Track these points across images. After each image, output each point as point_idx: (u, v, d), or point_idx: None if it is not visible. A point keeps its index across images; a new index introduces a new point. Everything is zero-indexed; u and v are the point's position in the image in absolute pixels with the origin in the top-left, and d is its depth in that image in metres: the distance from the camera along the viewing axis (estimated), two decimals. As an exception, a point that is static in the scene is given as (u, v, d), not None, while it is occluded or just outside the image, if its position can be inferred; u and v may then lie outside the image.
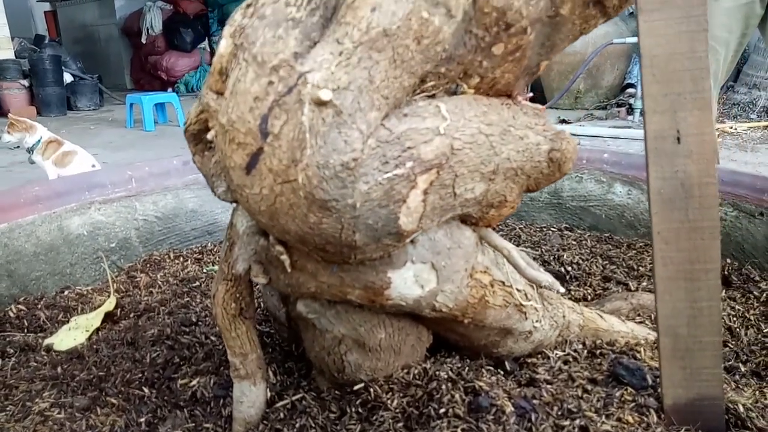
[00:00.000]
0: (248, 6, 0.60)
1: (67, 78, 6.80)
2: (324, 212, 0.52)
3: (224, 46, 0.57)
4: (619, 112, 5.54)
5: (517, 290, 0.72)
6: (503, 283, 0.70)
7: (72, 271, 1.07)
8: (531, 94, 0.73)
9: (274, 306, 0.78)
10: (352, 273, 0.60)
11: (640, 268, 1.10)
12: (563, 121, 5.48)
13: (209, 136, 0.60)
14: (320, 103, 0.49)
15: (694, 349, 0.63)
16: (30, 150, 3.17)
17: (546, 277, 0.67)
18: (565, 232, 1.29)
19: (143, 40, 9.21)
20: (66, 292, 1.03)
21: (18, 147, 3.81)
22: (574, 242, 1.22)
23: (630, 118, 5.42)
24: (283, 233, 0.56)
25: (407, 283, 0.61)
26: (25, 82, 6.45)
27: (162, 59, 9.07)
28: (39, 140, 3.15)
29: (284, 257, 0.61)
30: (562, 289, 0.79)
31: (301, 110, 0.50)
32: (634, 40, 5.37)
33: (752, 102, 5.14)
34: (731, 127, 4.84)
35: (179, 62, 8.99)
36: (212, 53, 9.29)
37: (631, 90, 5.81)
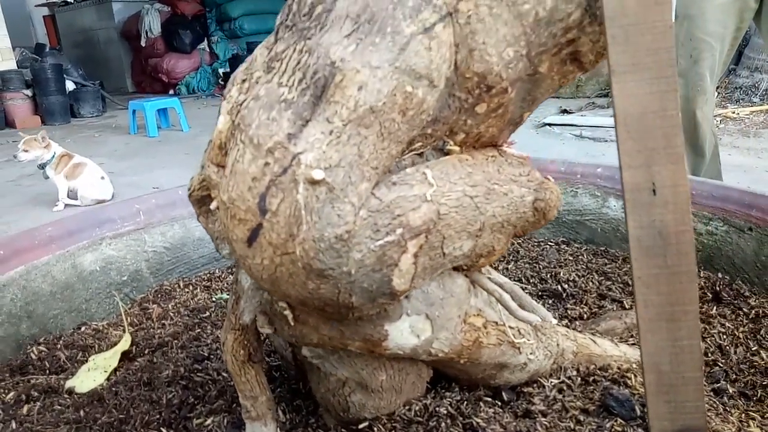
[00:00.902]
0: (244, 81, 0.63)
1: (70, 86, 6.85)
2: (321, 279, 0.56)
3: (222, 122, 0.61)
4: (620, 99, 5.52)
5: (510, 328, 0.75)
6: (496, 323, 0.74)
7: (87, 306, 1.12)
8: (516, 141, 0.76)
9: (281, 346, 0.82)
10: (351, 327, 0.64)
11: (635, 283, 1.13)
12: (565, 111, 5.48)
13: (212, 206, 0.64)
14: (313, 182, 0.53)
15: (677, 384, 0.67)
16: (42, 166, 3.23)
17: (535, 318, 0.71)
18: (563, 246, 1.32)
19: (143, 43, 9.24)
20: (83, 329, 1.08)
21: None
22: (570, 257, 1.26)
23: (631, 105, 5.40)
24: (284, 297, 0.60)
25: (403, 334, 0.65)
26: (29, 92, 6.52)
27: (162, 61, 9.11)
28: (53, 156, 3.21)
29: (287, 312, 0.65)
30: (554, 320, 0.83)
31: (296, 189, 0.53)
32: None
33: (754, 85, 5.12)
34: (733, 112, 4.83)
35: (179, 64, 9.02)
36: (211, 53, 9.34)
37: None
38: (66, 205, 3.32)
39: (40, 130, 6.47)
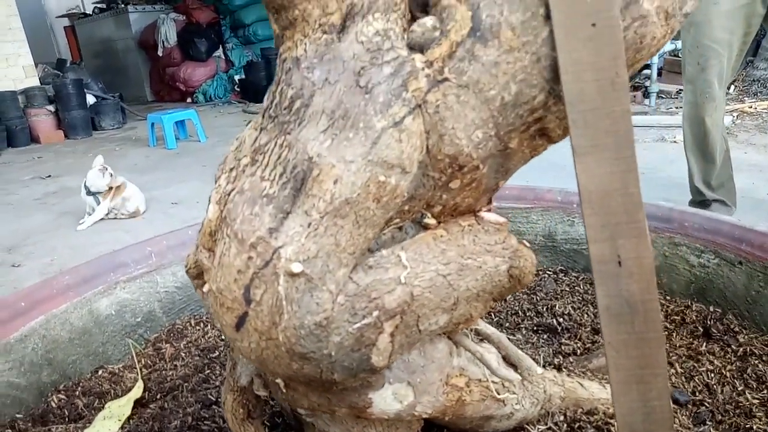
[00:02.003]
0: (232, 170, 0.68)
1: (90, 99, 7.02)
2: (304, 361, 0.60)
3: (212, 211, 0.66)
4: (635, 96, 5.48)
5: (494, 382, 0.79)
6: (480, 380, 0.78)
7: (104, 349, 1.19)
8: (494, 205, 0.80)
9: (279, 398, 0.87)
10: (337, 395, 0.68)
11: (629, 315, 1.15)
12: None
13: (204, 289, 0.69)
14: (292, 275, 0.58)
15: (650, 441, 0.70)
16: (93, 193, 3.36)
17: (516, 376, 0.75)
18: (560, 275, 1.35)
19: (160, 53, 9.41)
20: (100, 372, 1.14)
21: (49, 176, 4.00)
22: (567, 288, 1.28)
23: (646, 102, 5.36)
24: (272, 373, 0.65)
25: (387, 400, 0.69)
26: (51, 108, 6.71)
27: (179, 70, 9.27)
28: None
29: (278, 380, 0.69)
30: (540, 370, 0.86)
31: (277, 281, 0.58)
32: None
33: (772, 78, 5.03)
34: (750, 106, 4.75)
35: (196, 72, 9.17)
36: (227, 61, 9.46)
37: (646, 71, 5.72)
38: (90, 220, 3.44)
39: (63, 144, 6.65)
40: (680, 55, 3.29)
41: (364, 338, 0.60)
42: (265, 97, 0.72)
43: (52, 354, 1.09)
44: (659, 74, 5.68)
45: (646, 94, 5.36)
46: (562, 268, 1.38)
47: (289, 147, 0.63)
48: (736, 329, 1.05)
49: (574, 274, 1.36)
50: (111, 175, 3.35)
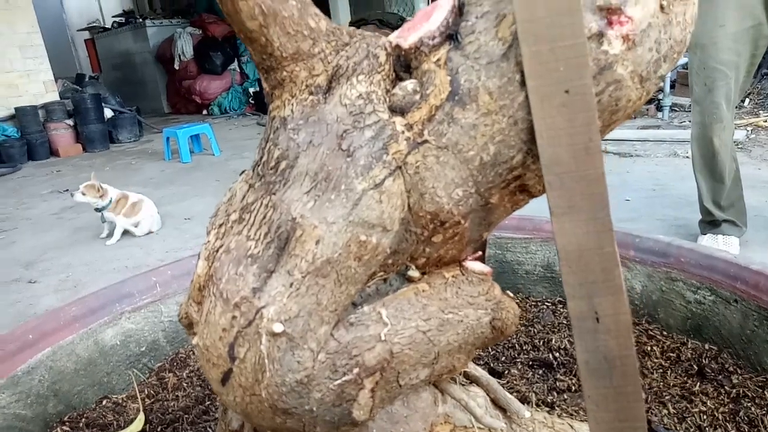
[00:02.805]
0: (221, 226, 0.71)
1: (108, 113, 7.15)
2: (287, 416, 0.63)
3: (201, 267, 0.68)
4: (647, 109, 5.45)
5: (480, 429, 0.81)
6: (465, 427, 0.79)
7: (108, 379, 1.22)
8: (479, 253, 0.81)
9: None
10: (322, 444, 0.70)
11: (624, 351, 1.15)
12: (590, 123, 5.43)
13: (193, 342, 0.72)
14: (274, 335, 0.60)
15: (631, 492, 0.71)
16: (100, 210, 3.44)
17: (500, 425, 0.76)
18: (558, 307, 1.35)
19: (176, 66, 9.57)
20: (104, 402, 1.18)
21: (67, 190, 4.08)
22: (565, 321, 1.29)
23: (659, 115, 5.33)
24: (258, 426, 0.67)
25: (370, 450, 0.71)
26: (70, 122, 6.85)
27: (195, 83, 9.41)
28: (109, 202, 3.39)
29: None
30: (528, 414, 0.87)
31: (259, 340, 0.60)
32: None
33: (787, 91, 4.97)
34: (765, 120, 4.70)
35: (211, 85, 9.30)
36: (242, 74, 9.58)
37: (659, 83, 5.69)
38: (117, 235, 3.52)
39: (81, 157, 6.77)
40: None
41: (344, 394, 0.63)
42: (256, 150, 0.75)
43: (57, 385, 1.13)
44: (672, 87, 5.65)
45: (659, 108, 5.33)
46: (561, 299, 1.39)
47: (273, 207, 0.65)
48: (731, 369, 1.05)
49: (571, 305, 1.36)
50: (100, 188, 3.41)
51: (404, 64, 0.71)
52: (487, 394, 0.87)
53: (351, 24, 8.79)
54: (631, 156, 4.32)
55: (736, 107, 2.75)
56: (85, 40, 12.60)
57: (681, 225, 2.90)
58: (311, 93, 0.70)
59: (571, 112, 0.62)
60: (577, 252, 0.65)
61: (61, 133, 6.80)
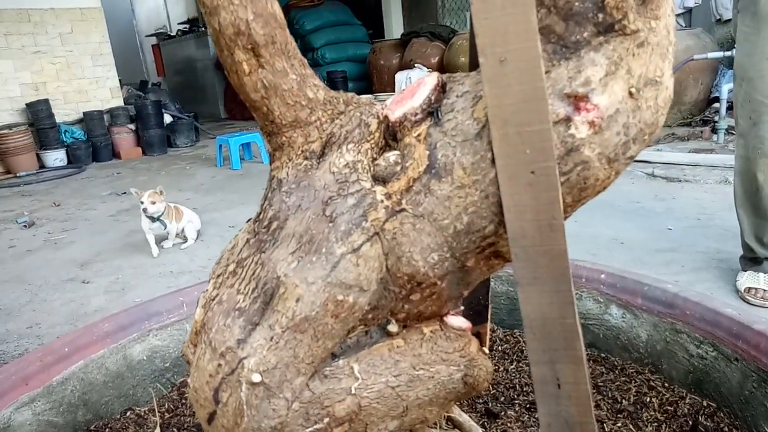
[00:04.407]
0: (219, 276, 0.78)
1: (167, 119, 7.51)
2: (263, 456, 0.69)
3: (198, 314, 0.76)
4: (702, 131, 5.27)
5: (454, 474, 0.85)
6: (438, 472, 0.84)
7: (134, 392, 1.33)
8: (462, 308, 0.86)
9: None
10: (299, 481, 0.77)
11: (623, 400, 1.16)
12: (640, 144, 5.29)
13: (189, 381, 0.79)
14: (253, 384, 0.67)
15: None
16: (158, 218, 3.50)
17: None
18: (565, 348, 1.36)
19: (234, 74, 9.90)
20: (128, 413, 1.28)
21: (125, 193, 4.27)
22: (568, 363, 1.30)
23: (714, 138, 5.15)
24: (240, 461, 0.74)
25: (343, 490, 0.77)
26: (132, 126, 7.23)
27: (251, 91, 9.70)
28: (164, 208, 3.51)
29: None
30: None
31: (240, 388, 0.67)
32: (716, 55, 5.10)
33: None
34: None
35: (266, 93, 9.56)
36: (296, 82, 9.83)
37: (715, 105, 5.49)
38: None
39: (141, 160, 7.13)
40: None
41: (315, 440, 0.69)
42: (260, 204, 0.82)
43: (87, 396, 1.24)
44: (729, 109, 5.44)
45: (714, 130, 5.14)
46: (568, 340, 1.40)
47: (262, 265, 0.72)
48: (725, 429, 1.05)
49: (578, 348, 1.37)
50: (161, 192, 3.51)
51: (392, 132, 0.77)
52: (470, 440, 0.91)
53: (403, 35, 8.88)
54: (680, 181, 4.19)
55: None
56: (152, 46, 13.26)
57: (722, 259, 2.81)
58: (306, 158, 0.77)
59: (536, 191, 0.66)
60: (540, 321, 0.69)
61: (124, 137, 7.19)
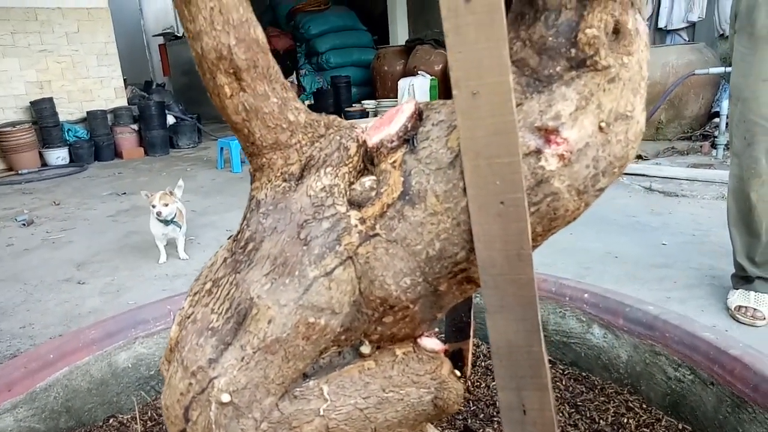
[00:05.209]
0: (196, 294, 0.80)
1: (170, 120, 7.54)
2: (231, 474, 0.70)
3: (174, 331, 0.77)
4: (701, 146, 5.28)
5: (425, 494, 0.86)
6: (409, 492, 0.84)
7: (118, 399, 1.34)
8: (436, 329, 0.87)
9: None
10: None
11: (601, 420, 1.17)
12: (639, 157, 5.31)
13: (162, 398, 0.81)
14: (222, 404, 0.68)
15: None
16: (172, 220, 3.36)
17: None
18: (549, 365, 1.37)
19: (238, 76, 9.94)
20: (111, 421, 1.29)
21: (125, 193, 4.23)
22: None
23: (714, 153, 5.15)
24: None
25: None
26: (135, 126, 7.26)
27: (254, 93, 9.74)
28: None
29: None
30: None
31: (209, 407, 0.68)
32: (718, 70, 5.10)
33: None
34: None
35: (269, 96, 9.60)
36: (299, 86, 9.87)
37: (715, 120, 5.50)
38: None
39: (142, 161, 7.15)
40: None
41: (283, 460, 0.70)
42: (239, 223, 0.83)
43: (70, 402, 1.25)
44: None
45: (714, 145, 5.15)
46: (551, 359, 1.41)
47: (237, 285, 0.73)
48: (699, 454, 1.06)
49: (560, 366, 1.38)
50: (172, 193, 3.37)
51: (370, 157, 0.78)
52: (443, 460, 0.92)
53: (407, 42, 8.92)
54: (677, 196, 4.20)
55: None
56: (159, 45, 13.31)
57: (716, 276, 2.82)
58: (285, 180, 0.78)
59: (505, 221, 0.67)
60: (507, 348, 0.70)
61: (126, 137, 7.23)
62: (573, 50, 0.67)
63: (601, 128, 0.68)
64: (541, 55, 0.69)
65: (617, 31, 0.67)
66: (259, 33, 0.74)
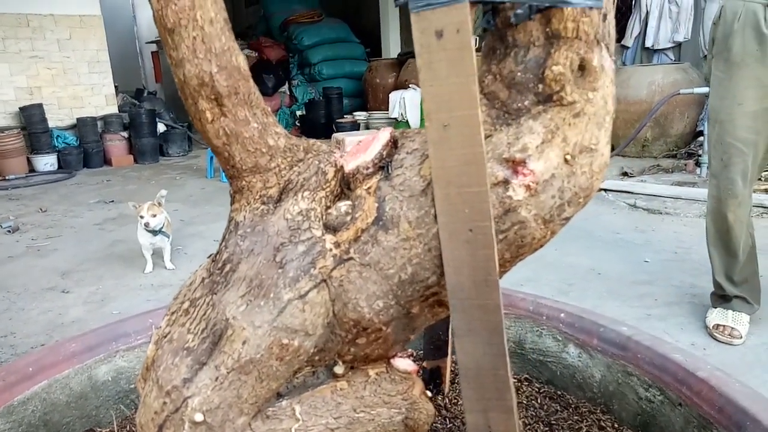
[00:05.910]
0: (173, 313, 0.81)
1: (161, 128, 7.53)
2: (204, 492, 0.72)
3: (151, 350, 0.79)
4: (686, 164, 5.36)
5: None
6: None
7: (97, 413, 1.34)
8: (410, 351, 0.89)
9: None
10: None
11: (574, 440, 1.20)
12: (625, 174, 5.39)
13: (137, 416, 0.82)
14: (195, 423, 0.70)
15: None
16: (160, 230, 3.33)
17: None
18: (524, 384, 1.40)
19: (230, 85, 9.95)
20: (89, 435, 1.30)
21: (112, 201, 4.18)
22: (524, 400, 1.33)
23: (698, 171, 5.23)
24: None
25: None
26: (125, 134, 7.25)
27: (246, 103, 9.76)
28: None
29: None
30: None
31: (183, 426, 0.70)
32: (703, 90, 5.19)
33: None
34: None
35: (261, 105, 9.62)
36: (291, 96, 9.92)
37: (700, 138, 5.59)
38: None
39: (132, 168, 7.13)
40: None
41: (255, 479, 0.71)
42: (219, 243, 0.85)
43: (49, 416, 1.25)
44: (714, 144, 5.53)
45: (698, 164, 5.23)
46: (527, 377, 1.43)
47: (213, 306, 0.75)
48: (667, 474, 1.08)
49: (536, 384, 1.40)
50: (159, 204, 3.33)
51: (347, 182, 0.81)
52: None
53: (400, 55, 9.00)
54: (660, 213, 4.26)
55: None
56: (152, 53, 13.31)
57: (696, 294, 2.86)
58: (263, 203, 0.81)
59: (473, 248, 0.70)
60: (474, 371, 0.72)
61: (116, 144, 7.21)
62: (540, 85, 0.70)
63: (566, 160, 0.71)
64: (510, 89, 0.72)
65: (583, 68, 0.70)
66: (240, 61, 0.76)
